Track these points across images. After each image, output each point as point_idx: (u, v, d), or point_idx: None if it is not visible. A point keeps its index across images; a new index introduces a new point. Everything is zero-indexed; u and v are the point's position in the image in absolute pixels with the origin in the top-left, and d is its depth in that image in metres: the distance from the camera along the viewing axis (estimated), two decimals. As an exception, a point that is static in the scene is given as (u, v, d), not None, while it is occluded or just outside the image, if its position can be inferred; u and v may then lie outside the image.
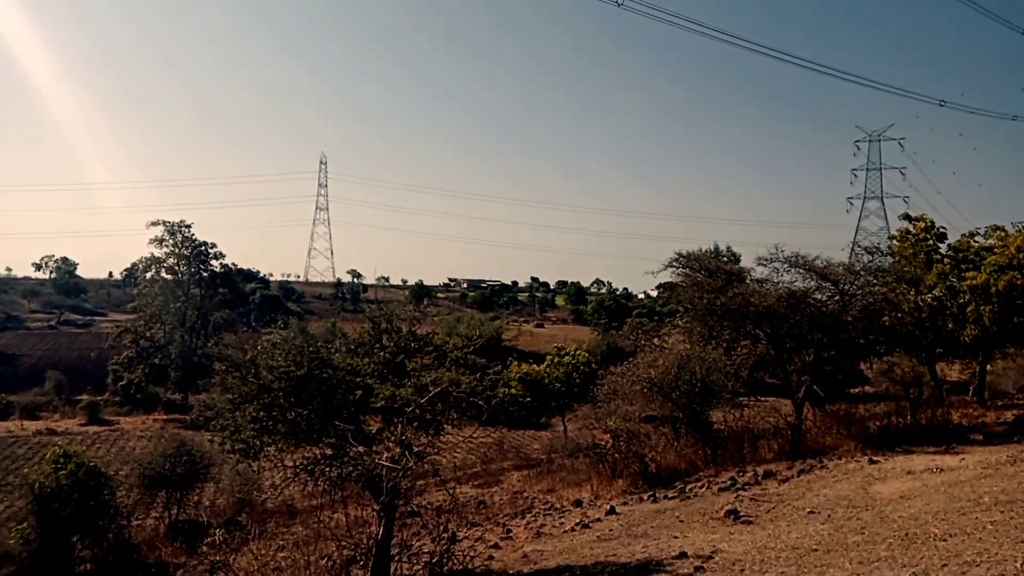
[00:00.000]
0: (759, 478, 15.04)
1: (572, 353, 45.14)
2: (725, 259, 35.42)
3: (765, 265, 20.59)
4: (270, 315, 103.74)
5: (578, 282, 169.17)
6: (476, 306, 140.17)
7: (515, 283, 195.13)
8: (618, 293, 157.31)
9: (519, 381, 42.65)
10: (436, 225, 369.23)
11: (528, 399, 43.03)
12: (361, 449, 9.42)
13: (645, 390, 18.65)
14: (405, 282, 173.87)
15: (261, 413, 10.16)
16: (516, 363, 46.12)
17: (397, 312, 12.14)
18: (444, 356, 11.29)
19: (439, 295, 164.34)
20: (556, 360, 44.35)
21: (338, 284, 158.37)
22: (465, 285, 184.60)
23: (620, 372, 19.76)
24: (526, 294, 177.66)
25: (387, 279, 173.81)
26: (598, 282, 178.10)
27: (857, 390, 38.41)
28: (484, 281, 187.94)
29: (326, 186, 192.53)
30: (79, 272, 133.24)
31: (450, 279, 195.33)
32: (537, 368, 44.42)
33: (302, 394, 10.13)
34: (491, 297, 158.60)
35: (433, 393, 10.00)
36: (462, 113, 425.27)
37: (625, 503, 15.04)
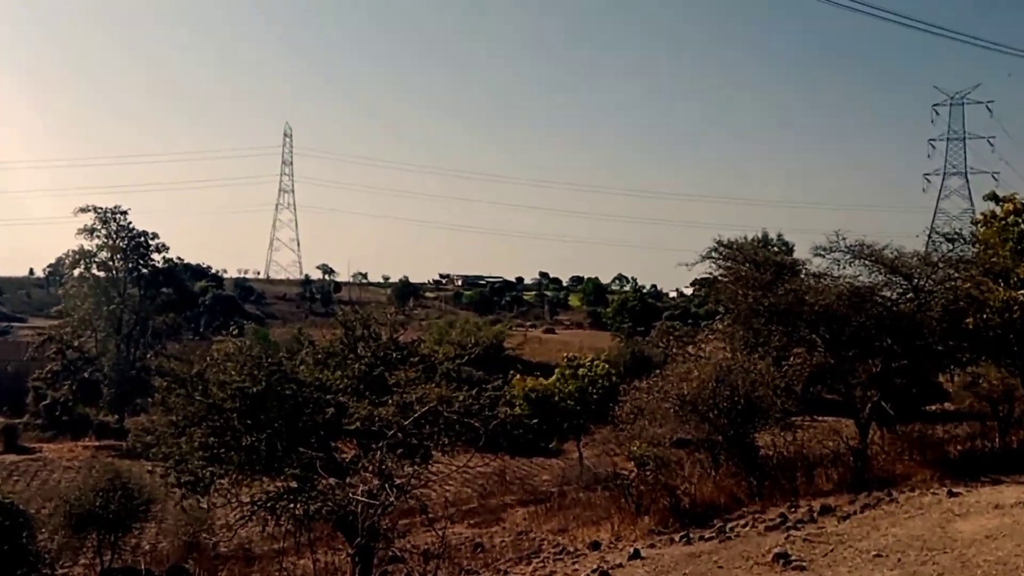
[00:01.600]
0: (814, 514, 15.03)
1: (588, 364, 45.12)
2: (775, 248, 35.39)
3: (823, 256, 20.69)
4: (223, 319, 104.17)
5: (596, 278, 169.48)
6: (473, 307, 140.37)
7: (520, 280, 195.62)
8: (644, 291, 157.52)
9: (524, 398, 42.65)
10: (425, 210, 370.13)
11: (535, 420, 43.00)
12: (332, 481, 9.45)
13: (677, 409, 18.63)
14: (387, 279, 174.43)
15: (211, 438, 10.21)
16: (521, 376, 46.17)
17: (376, 315, 12.18)
18: (433, 368, 11.37)
19: (428, 294, 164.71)
20: (569, 373, 44.35)
21: (306, 282, 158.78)
22: (459, 282, 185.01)
23: (646, 387, 19.74)
24: (533, 293, 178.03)
25: (365, 275, 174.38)
26: (620, 278, 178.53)
27: (935, 407, 38.35)
28: (483, 277, 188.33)
29: (291, 164, 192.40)
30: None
31: (441, 275, 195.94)
32: (546, 382, 44.45)
33: (260, 415, 10.17)
34: (491, 297, 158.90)
35: (419, 413, 10.04)
36: (454, 76, 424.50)
37: (652, 545, 15.04)
